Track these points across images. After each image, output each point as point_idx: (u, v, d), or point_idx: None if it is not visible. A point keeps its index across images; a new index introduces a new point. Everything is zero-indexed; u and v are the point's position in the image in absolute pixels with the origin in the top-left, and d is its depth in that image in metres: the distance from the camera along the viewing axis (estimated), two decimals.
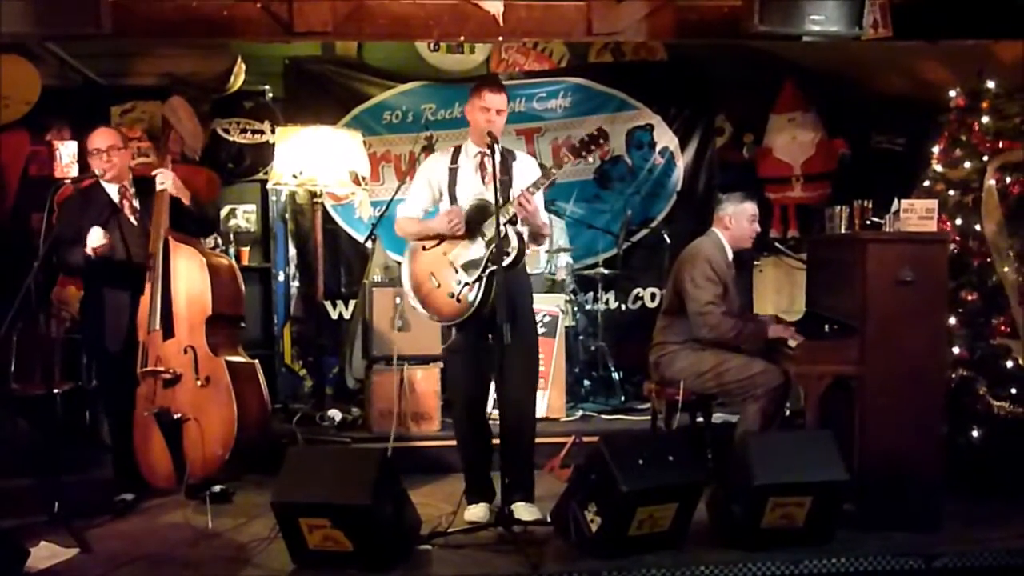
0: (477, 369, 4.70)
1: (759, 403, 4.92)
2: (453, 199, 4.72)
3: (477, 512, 4.72)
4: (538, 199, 4.60)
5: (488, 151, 4.50)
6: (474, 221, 4.60)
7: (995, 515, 4.77)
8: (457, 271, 4.61)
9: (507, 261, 4.50)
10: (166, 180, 5.01)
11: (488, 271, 4.50)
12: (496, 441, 4.75)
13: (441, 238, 4.68)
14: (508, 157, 4.75)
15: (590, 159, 6.16)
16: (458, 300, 4.59)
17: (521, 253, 4.58)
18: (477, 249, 4.58)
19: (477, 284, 4.54)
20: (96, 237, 4.80)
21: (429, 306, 4.68)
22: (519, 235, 4.57)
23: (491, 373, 4.72)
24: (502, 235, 4.47)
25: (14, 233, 6.78)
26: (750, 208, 5.27)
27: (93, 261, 4.84)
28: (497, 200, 4.42)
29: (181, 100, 6.71)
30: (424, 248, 4.73)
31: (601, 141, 4.67)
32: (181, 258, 5.00)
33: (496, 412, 4.80)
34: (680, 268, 5.22)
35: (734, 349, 5.07)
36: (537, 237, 4.78)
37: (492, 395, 5.04)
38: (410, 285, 4.74)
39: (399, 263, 7.09)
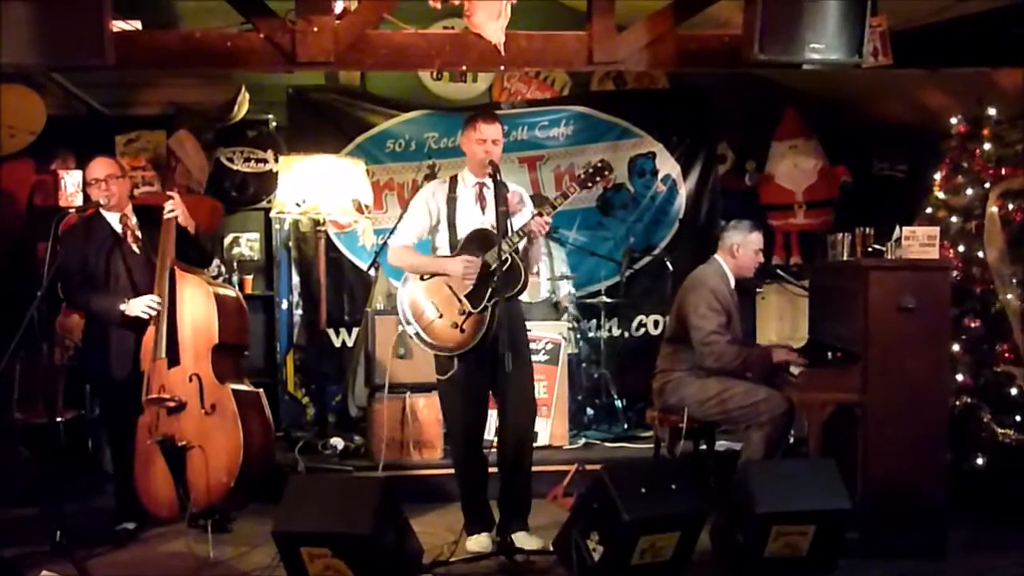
0: (476, 399, 4.68)
1: (762, 431, 4.91)
2: (452, 228, 4.73)
3: (480, 541, 4.70)
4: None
5: (486, 181, 4.54)
6: (476, 250, 4.60)
7: (1000, 542, 4.76)
8: (460, 301, 4.60)
9: (516, 289, 4.54)
10: (176, 208, 5.03)
11: (494, 301, 4.49)
12: (493, 470, 4.75)
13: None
14: (501, 187, 4.77)
15: (595, 190, 6.26)
16: (462, 330, 4.58)
17: (526, 282, 4.59)
18: (481, 279, 4.58)
19: (483, 314, 4.54)
20: (141, 305, 4.89)
21: (430, 335, 4.66)
22: (523, 264, 4.59)
23: (488, 402, 4.74)
24: (508, 264, 4.50)
25: (19, 262, 6.79)
26: (757, 239, 5.28)
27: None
28: (500, 227, 4.45)
29: (188, 134, 6.76)
30: (422, 277, 4.74)
31: (606, 173, 4.71)
32: (188, 287, 5.01)
33: (493, 439, 4.80)
34: (683, 297, 5.22)
35: (738, 377, 5.07)
36: (532, 265, 4.79)
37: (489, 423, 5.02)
38: (410, 314, 4.71)
39: None
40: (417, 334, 4.68)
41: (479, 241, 4.60)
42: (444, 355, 4.66)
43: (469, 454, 4.75)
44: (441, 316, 4.64)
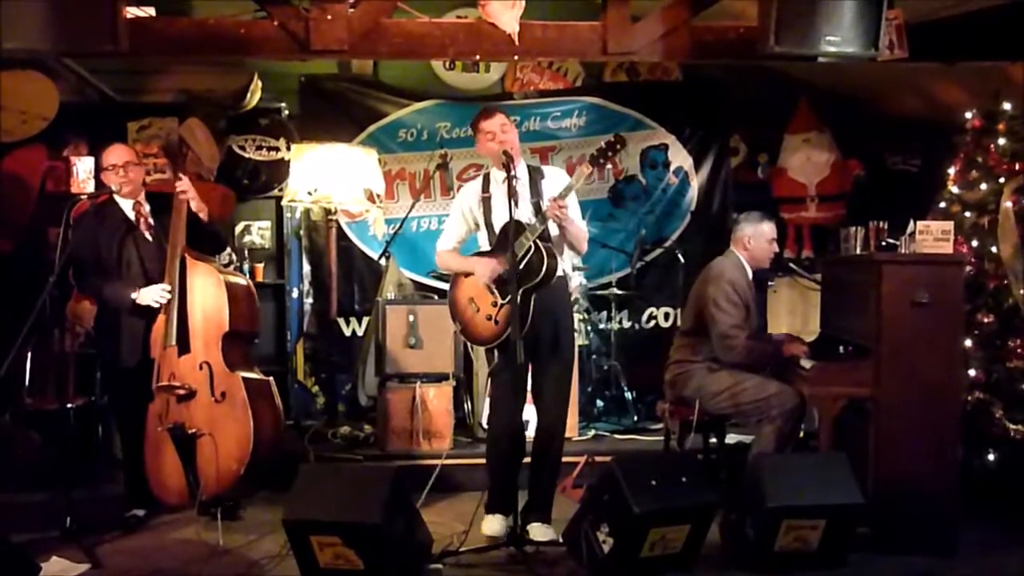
0: (517, 389, 4.67)
1: (774, 424, 4.89)
2: (489, 227, 4.74)
3: (494, 525, 4.71)
4: (572, 206, 4.65)
5: (516, 174, 4.54)
6: (506, 242, 4.59)
7: (1011, 539, 4.74)
8: (493, 293, 4.63)
9: (538, 278, 4.54)
10: (188, 189, 5.02)
11: (520, 290, 4.46)
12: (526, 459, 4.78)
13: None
14: (536, 175, 4.76)
15: (608, 166, 6.27)
16: (496, 322, 4.61)
17: (552, 269, 4.57)
18: (509, 269, 4.57)
19: (511, 304, 4.53)
20: (153, 294, 4.89)
21: (471, 332, 4.72)
22: (549, 251, 4.57)
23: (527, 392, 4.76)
24: (532, 251, 4.52)
25: (31, 248, 6.80)
26: (768, 229, 5.25)
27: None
28: (512, 215, 4.45)
29: (198, 122, 6.76)
30: (465, 275, 4.77)
31: (618, 147, 4.70)
32: (198, 275, 5.01)
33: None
34: (702, 289, 5.18)
35: (750, 370, 5.05)
36: (576, 244, 4.77)
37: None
38: (454, 312, 4.79)
39: (412, 280, 7.13)
40: (461, 330, 4.77)
41: (509, 232, 4.58)
42: (486, 348, 4.72)
43: (507, 445, 4.72)
44: (478, 310, 4.68)
